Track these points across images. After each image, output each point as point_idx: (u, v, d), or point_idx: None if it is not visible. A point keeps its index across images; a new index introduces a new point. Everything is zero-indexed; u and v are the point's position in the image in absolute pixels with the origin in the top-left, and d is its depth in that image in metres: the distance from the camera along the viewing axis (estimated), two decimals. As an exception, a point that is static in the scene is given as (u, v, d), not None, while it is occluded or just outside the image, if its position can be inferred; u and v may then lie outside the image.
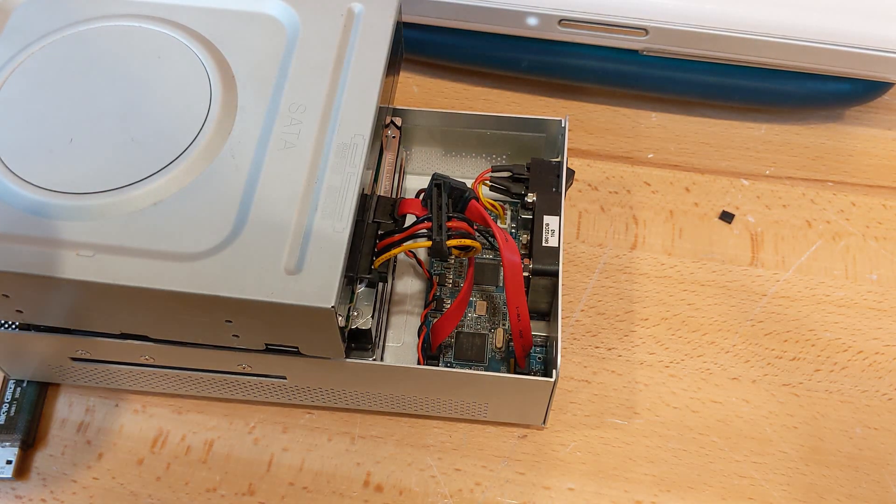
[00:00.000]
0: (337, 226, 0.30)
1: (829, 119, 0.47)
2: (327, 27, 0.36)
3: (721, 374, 0.38)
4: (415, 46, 0.46)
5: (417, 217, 0.34)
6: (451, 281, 0.40)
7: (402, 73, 0.47)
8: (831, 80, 0.43)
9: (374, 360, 0.34)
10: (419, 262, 0.40)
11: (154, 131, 0.32)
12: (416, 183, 0.43)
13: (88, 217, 0.30)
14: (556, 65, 0.45)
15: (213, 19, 0.36)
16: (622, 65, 0.44)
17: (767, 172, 0.45)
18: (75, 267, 0.29)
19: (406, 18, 0.41)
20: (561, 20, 0.41)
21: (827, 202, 0.44)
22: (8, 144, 0.32)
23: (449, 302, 0.39)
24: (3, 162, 0.32)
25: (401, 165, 0.40)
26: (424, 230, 0.33)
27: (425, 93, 0.48)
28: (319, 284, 0.29)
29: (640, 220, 0.43)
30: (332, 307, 0.28)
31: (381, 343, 0.37)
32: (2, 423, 0.37)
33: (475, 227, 0.34)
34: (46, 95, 0.33)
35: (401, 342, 0.38)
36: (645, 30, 0.41)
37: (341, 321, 0.30)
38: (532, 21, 0.42)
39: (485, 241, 0.36)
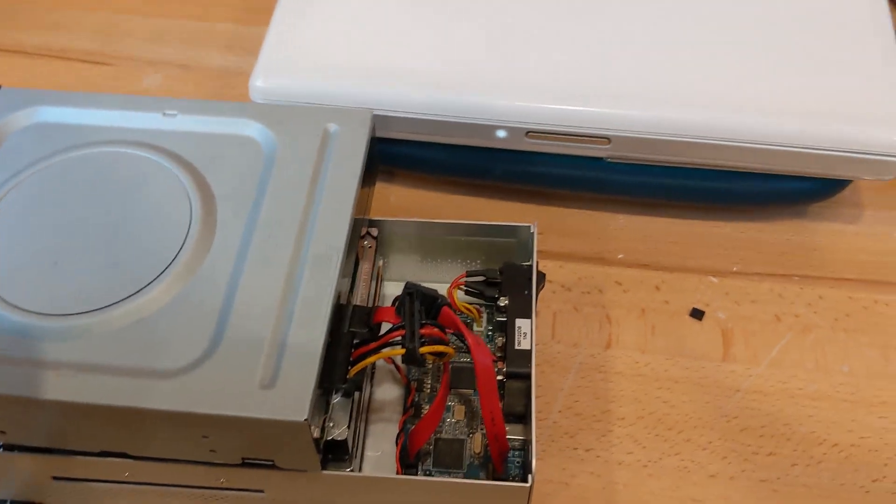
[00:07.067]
0: (311, 337, 0.31)
1: (792, 216, 0.49)
2: (304, 146, 0.38)
3: (699, 471, 0.39)
4: (390, 159, 0.48)
5: (392, 325, 0.35)
6: (429, 386, 0.40)
7: (379, 184, 0.49)
8: (792, 179, 0.44)
9: (352, 470, 0.35)
10: (397, 367, 0.41)
11: (137, 251, 0.34)
12: (394, 289, 0.44)
13: (70, 337, 0.31)
14: (525, 173, 0.47)
15: (196, 142, 0.38)
16: (588, 171, 0.46)
17: (735, 269, 0.46)
18: (56, 387, 0.30)
19: (380, 134, 0.43)
20: (528, 132, 0.44)
21: (795, 296, 0.45)
22: (-5, 269, 0.33)
23: (427, 407, 0.39)
24: (-11, 286, 0.33)
25: (378, 273, 0.41)
26: (399, 337, 0.34)
27: (402, 202, 0.50)
28: (293, 397, 0.29)
29: (613, 319, 0.44)
30: (306, 420, 0.29)
31: (359, 452, 0.37)
32: (-20, 545, 0.36)
33: (450, 333, 0.35)
34: (34, 221, 0.35)
35: (380, 451, 0.38)
36: (608, 139, 0.43)
37: (316, 433, 0.30)
38: (501, 133, 0.44)
39: (461, 344, 0.37)
